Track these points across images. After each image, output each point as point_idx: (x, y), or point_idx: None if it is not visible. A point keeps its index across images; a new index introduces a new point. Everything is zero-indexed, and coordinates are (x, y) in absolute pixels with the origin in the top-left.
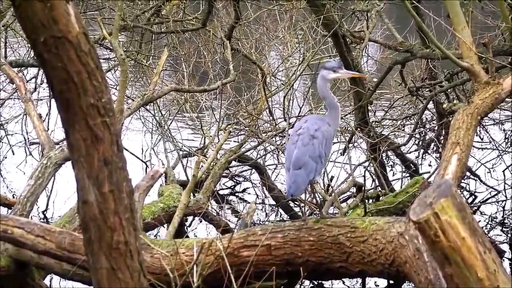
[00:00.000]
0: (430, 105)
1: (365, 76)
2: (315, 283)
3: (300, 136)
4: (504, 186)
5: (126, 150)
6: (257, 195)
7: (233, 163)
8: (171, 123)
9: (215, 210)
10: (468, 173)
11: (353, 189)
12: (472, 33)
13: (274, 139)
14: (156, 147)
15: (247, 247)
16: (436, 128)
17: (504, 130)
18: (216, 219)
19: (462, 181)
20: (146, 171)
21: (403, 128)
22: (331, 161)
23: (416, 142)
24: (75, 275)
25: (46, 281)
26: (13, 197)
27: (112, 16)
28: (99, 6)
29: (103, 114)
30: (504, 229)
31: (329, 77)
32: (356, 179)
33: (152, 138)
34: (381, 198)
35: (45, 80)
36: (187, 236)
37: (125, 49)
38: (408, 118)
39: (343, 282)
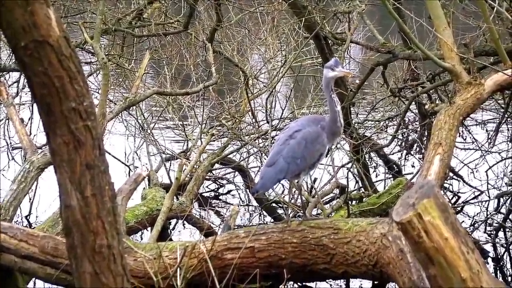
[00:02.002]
0: (413, 106)
1: (355, 75)
2: (299, 285)
3: (282, 134)
4: (487, 187)
5: (109, 153)
6: (241, 198)
7: (216, 165)
8: (153, 126)
9: (199, 213)
10: (451, 174)
11: (336, 191)
12: (453, 34)
13: (257, 141)
14: (139, 150)
15: (231, 250)
16: (418, 129)
17: (486, 130)
18: (199, 222)
19: (445, 181)
20: (129, 175)
21: (385, 129)
22: None
23: (399, 143)
24: (58, 280)
25: (30, 285)
26: None
27: (94, 20)
28: (81, 10)
29: (85, 118)
30: (487, 229)
31: (328, 75)
32: (339, 180)
33: (135, 141)
34: (364, 199)
35: (27, 85)
36: (171, 239)
37: (106, 53)
38: (390, 119)
39: (328, 284)
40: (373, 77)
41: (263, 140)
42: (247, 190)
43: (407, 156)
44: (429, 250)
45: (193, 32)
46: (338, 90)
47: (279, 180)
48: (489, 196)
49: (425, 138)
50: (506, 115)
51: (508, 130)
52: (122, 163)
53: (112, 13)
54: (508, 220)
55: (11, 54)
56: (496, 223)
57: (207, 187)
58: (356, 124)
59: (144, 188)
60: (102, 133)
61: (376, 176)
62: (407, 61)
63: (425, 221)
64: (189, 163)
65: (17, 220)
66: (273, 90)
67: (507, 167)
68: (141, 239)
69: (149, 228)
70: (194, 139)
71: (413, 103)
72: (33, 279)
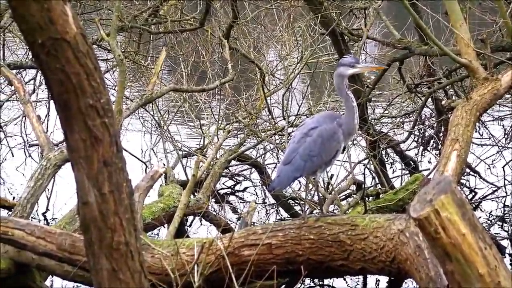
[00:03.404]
0: (429, 102)
1: (382, 67)
2: (316, 281)
3: (298, 132)
4: (504, 182)
5: (126, 150)
6: (257, 194)
7: (233, 162)
8: (170, 123)
9: (215, 210)
10: (467, 170)
11: (353, 187)
12: (470, 29)
13: (273, 138)
14: (155, 147)
15: (248, 246)
16: (435, 125)
17: (503, 126)
18: (216, 218)
19: (462, 177)
20: (145, 172)
21: (402, 125)
22: None
23: (416, 139)
24: (76, 277)
25: (47, 282)
26: (13, 199)
27: (110, 17)
28: (97, 7)
29: (102, 115)
30: (504, 225)
31: (347, 73)
32: (356, 176)
33: (151, 138)
34: (381, 195)
35: (43, 82)
36: (188, 236)
37: (123, 50)
38: (407, 115)
39: (345, 280)
40: (389, 73)
41: (280, 137)
42: (264, 187)
43: (423, 152)
44: (447, 246)
45: (209, 29)
46: (354, 87)
47: (296, 178)
48: (506, 192)
49: (441, 134)
50: None
51: None
52: (139, 160)
53: (128, 10)
54: None
55: (28, 51)
56: None
57: (223, 183)
58: (373, 120)
59: (161, 185)
60: (119, 130)
61: (393, 172)
62: (424, 57)
63: (443, 217)
64: (205, 159)
65: (34, 217)
66: (290, 87)
67: None
68: (159, 236)
69: (166, 225)
70: (210, 136)
71: (430, 99)
72: (51, 276)
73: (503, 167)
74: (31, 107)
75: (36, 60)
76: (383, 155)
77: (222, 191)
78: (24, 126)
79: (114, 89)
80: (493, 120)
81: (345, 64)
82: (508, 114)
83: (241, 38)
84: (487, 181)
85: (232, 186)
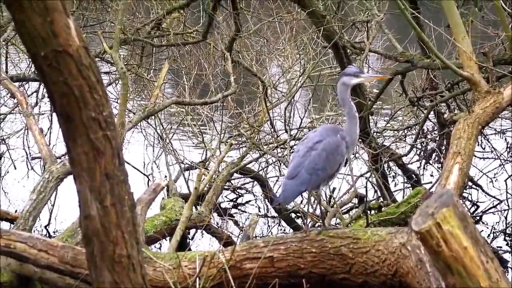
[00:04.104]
0: (431, 115)
1: (386, 77)
2: None
3: (301, 146)
4: (506, 196)
5: (128, 163)
6: (259, 207)
7: (235, 175)
8: (172, 136)
9: (217, 223)
10: (470, 183)
11: (355, 200)
12: (472, 43)
13: (275, 151)
14: (157, 160)
15: (250, 260)
16: (437, 138)
17: (505, 139)
18: (218, 231)
19: (464, 191)
20: (148, 185)
21: (404, 139)
22: None
23: (418, 152)
24: None
25: None
26: (15, 212)
27: (113, 29)
28: (100, 20)
29: (104, 127)
30: (506, 238)
31: (351, 82)
32: (358, 190)
33: (153, 151)
34: (383, 209)
35: (46, 95)
36: (190, 249)
37: (125, 63)
38: (409, 128)
39: None
40: (392, 86)
41: (282, 150)
42: (266, 200)
43: (425, 165)
44: (448, 259)
45: (212, 42)
46: (356, 100)
47: (301, 192)
48: (508, 205)
49: (443, 148)
50: None
51: None
52: (141, 172)
53: (131, 23)
54: None
55: (30, 64)
56: None
57: (225, 196)
58: (375, 134)
59: (163, 198)
60: (121, 143)
61: (395, 186)
62: (426, 70)
63: (444, 230)
64: (207, 173)
65: (36, 230)
66: (292, 100)
67: None
68: (160, 249)
69: (168, 238)
70: (212, 149)
71: (432, 112)
72: None
73: (505, 181)
74: (33, 119)
75: (38, 73)
76: (385, 169)
77: (224, 204)
78: (26, 139)
79: (117, 102)
80: (495, 134)
81: (349, 73)
82: (510, 128)
83: (243, 51)
84: (489, 195)
85: (234, 199)
